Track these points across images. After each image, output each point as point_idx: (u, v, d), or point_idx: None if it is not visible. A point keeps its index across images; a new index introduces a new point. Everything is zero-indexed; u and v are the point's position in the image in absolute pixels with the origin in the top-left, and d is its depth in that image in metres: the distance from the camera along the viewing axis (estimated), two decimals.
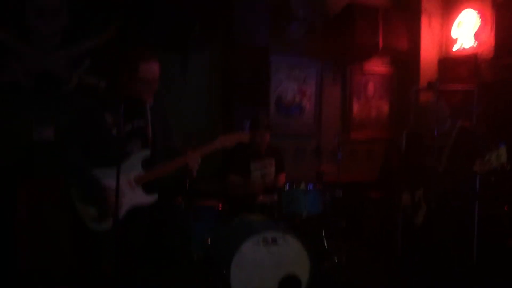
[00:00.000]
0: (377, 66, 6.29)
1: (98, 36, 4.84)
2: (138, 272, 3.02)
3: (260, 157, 4.67)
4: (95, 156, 2.78)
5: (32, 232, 4.16)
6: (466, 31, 5.66)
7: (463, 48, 5.69)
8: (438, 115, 3.74)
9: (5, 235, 4.15)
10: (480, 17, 5.49)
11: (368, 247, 5.57)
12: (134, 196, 2.86)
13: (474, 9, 5.57)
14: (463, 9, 5.71)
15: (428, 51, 6.00)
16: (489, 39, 5.35)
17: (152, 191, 2.93)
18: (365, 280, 4.39)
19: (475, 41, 5.55)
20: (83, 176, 2.76)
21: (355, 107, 6.23)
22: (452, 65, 5.82)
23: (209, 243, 3.98)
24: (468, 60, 5.59)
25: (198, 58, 5.35)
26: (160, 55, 5.08)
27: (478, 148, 3.59)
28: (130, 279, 2.91)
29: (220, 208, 4.23)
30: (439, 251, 3.35)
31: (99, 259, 2.80)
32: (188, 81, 5.27)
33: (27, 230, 4.16)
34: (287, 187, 4.12)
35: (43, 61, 4.72)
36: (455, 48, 5.81)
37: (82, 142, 2.78)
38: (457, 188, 3.73)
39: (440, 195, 3.59)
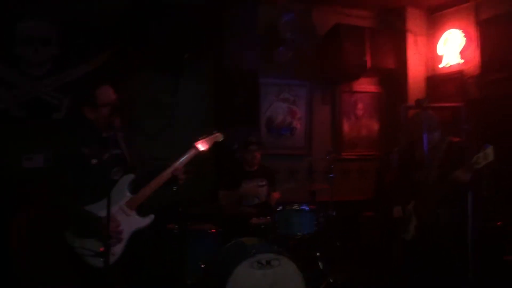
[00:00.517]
0: (366, 86, 6.36)
1: (87, 63, 4.87)
2: None
3: (252, 177, 4.67)
4: (82, 191, 2.78)
5: (28, 262, 4.10)
6: (452, 49, 5.75)
7: (450, 66, 5.77)
8: (427, 122, 3.74)
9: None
10: (465, 35, 5.58)
11: (363, 266, 5.53)
12: (131, 222, 2.87)
13: (458, 28, 5.67)
14: (447, 29, 5.81)
15: (415, 70, 6.08)
16: (475, 56, 5.43)
17: (147, 212, 2.94)
18: None
19: (461, 59, 5.63)
20: (78, 210, 2.76)
21: (346, 127, 6.27)
22: (440, 82, 5.89)
23: (203, 267, 3.93)
24: (455, 77, 5.66)
25: (189, 82, 5.39)
26: (151, 80, 5.20)
27: (466, 158, 3.63)
28: None
29: (213, 231, 4.19)
30: (434, 266, 3.32)
31: None
32: (179, 105, 5.29)
33: (23, 259, 4.10)
34: (280, 208, 4.09)
35: (33, 89, 4.73)
36: (441, 65, 5.89)
37: (67, 180, 2.78)
38: (448, 201, 3.72)
39: (431, 207, 3.58)
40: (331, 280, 4.23)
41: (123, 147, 2.98)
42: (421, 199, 3.76)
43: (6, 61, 4.64)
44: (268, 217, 4.23)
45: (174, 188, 3.73)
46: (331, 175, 4.56)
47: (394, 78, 6.20)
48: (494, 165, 3.36)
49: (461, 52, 5.63)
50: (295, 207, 4.09)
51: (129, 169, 2.96)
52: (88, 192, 2.77)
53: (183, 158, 3.09)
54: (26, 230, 4.15)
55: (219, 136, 3.32)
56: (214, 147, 5.22)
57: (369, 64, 5.67)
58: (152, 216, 2.96)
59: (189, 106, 5.35)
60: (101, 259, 2.66)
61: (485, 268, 4.62)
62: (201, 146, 3.20)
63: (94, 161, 2.78)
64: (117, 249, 2.78)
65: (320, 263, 4.32)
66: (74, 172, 2.76)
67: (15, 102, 4.67)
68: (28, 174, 4.58)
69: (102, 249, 2.63)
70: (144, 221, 2.93)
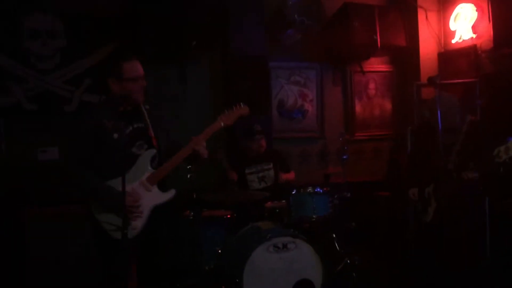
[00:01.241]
0: (377, 65, 6.28)
1: (95, 54, 4.88)
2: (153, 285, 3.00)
3: (256, 162, 4.66)
4: (103, 166, 2.78)
5: (42, 256, 4.15)
6: (464, 24, 5.63)
7: (462, 41, 5.66)
8: (448, 107, 3.64)
9: (14, 261, 4.13)
10: (477, 9, 5.45)
11: (379, 247, 5.52)
12: (152, 197, 2.86)
13: (470, 2, 5.54)
14: (459, 3, 5.68)
15: (427, 46, 5.97)
16: (487, 30, 5.31)
17: (168, 188, 2.94)
18: (379, 280, 4.34)
19: (473, 33, 5.52)
20: (95, 187, 2.76)
21: (358, 107, 6.21)
22: (452, 58, 5.78)
23: (219, 252, 3.96)
24: (468, 53, 5.55)
25: (197, 69, 5.38)
26: (158, 68, 5.20)
27: (487, 144, 3.53)
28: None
29: (228, 217, 4.21)
30: (451, 250, 3.27)
31: (125, 269, 2.73)
32: (188, 92, 5.29)
33: (37, 255, 4.15)
34: (294, 191, 4.09)
35: (43, 82, 4.76)
36: (453, 40, 5.78)
37: (88, 155, 2.78)
38: (467, 186, 3.65)
39: (451, 192, 3.51)
40: (348, 261, 4.24)
41: (147, 121, 2.93)
42: (441, 183, 3.67)
43: (15, 55, 4.67)
44: (283, 201, 4.23)
45: (188, 176, 3.75)
46: (344, 157, 4.53)
47: (405, 56, 6.11)
48: None
49: (473, 27, 5.50)
50: (309, 190, 4.08)
51: (152, 144, 2.92)
52: (109, 166, 2.75)
53: (206, 132, 3.02)
54: (40, 225, 4.19)
55: (245, 109, 3.18)
56: (227, 134, 5.29)
57: (379, 42, 5.58)
58: (173, 191, 2.93)
59: (197, 95, 5.34)
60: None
61: (503, 249, 4.58)
62: (225, 119, 3.09)
63: (115, 135, 2.76)
64: (138, 223, 2.79)
65: (336, 245, 4.32)
66: (96, 145, 2.75)
67: (26, 95, 4.70)
68: (44, 167, 4.63)
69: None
70: (166, 196, 2.91)
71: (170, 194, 2.93)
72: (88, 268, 3.96)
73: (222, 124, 3.08)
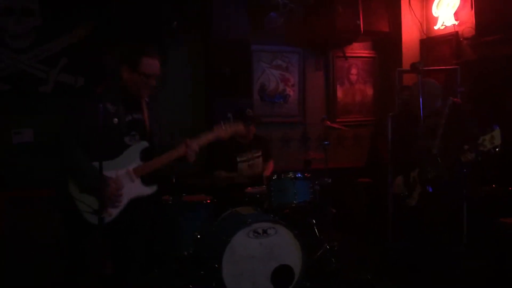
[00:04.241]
0: (359, 50, 6.27)
1: (72, 34, 4.73)
2: (129, 270, 2.97)
3: (246, 149, 4.63)
4: (94, 147, 2.69)
5: (15, 242, 4.02)
6: (446, 10, 5.63)
7: (445, 27, 5.66)
8: (429, 92, 3.65)
9: None
10: None
11: (359, 233, 5.57)
12: (134, 188, 2.85)
13: None
14: None
15: (410, 32, 5.97)
16: (470, 17, 5.32)
17: (151, 182, 2.94)
18: (358, 266, 4.37)
19: (455, 20, 5.53)
20: (82, 166, 2.72)
21: (340, 93, 6.20)
22: (434, 45, 5.80)
23: (199, 238, 3.92)
24: (450, 39, 5.57)
25: (178, 52, 5.28)
26: None
27: (470, 127, 3.55)
28: (121, 277, 2.89)
29: (208, 202, 4.17)
30: (430, 234, 3.31)
31: (96, 256, 2.75)
32: (169, 75, 5.19)
33: (9, 241, 4.03)
34: (275, 177, 4.06)
35: (17, 61, 4.61)
36: (436, 27, 5.78)
37: (83, 132, 2.73)
38: (451, 169, 3.68)
39: (435, 176, 3.53)
40: (327, 247, 4.24)
41: (145, 113, 2.94)
42: (426, 167, 3.68)
43: None
44: (264, 186, 4.20)
45: None
46: (325, 142, 4.51)
47: (388, 42, 6.11)
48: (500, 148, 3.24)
49: (456, 14, 5.51)
50: (290, 175, 4.05)
51: (146, 136, 2.92)
52: (100, 149, 2.67)
53: (201, 139, 3.04)
54: (14, 208, 4.08)
55: (240, 127, 3.22)
56: (206, 118, 5.22)
57: (362, 28, 5.54)
58: (155, 187, 2.95)
59: (178, 77, 5.25)
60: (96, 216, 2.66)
61: (480, 231, 4.66)
62: (221, 131, 3.12)
63: (116, 120, 2.76)
64: (114, 211, 2.79)
65: (316, 230, 4.33)
66: (94, 126, 2.66)
67: (0, 75, 4.55)
68: (18, 149, 4.51)
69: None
70: (147, 190, 2.92)
71: (152, 189, 2.95)
72: (61, 253, 3.88)
73: (217, 135, 3.11)
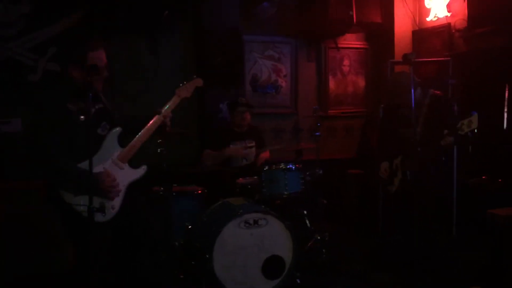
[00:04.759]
0: (352, 41, 6.25)
1: (61, 22, 4.66)
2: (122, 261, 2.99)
3: (240, 138, 4.61)
4: (71, 148, 2.73)
5: (10, 237, 3.96)
6: (439, 2, 5.62)
7: (437, 19, 5.66)
8: (403, 83, 3.75)
9: None
10: None
11: (350, 224, 5.59)
12: (126, 175, 2.88)
13: None
14: None
15: (402, 24, 5.95)
16: (462, 9, 5.32)
17: (139, 164, 2.96)
18: (349, 257, 4.39)
19: (448, 12, 5.52)
20: (71, 172, 2.71)
21: (332, 84, 6.18)
22: (426, 36, 5.79)
23: (189, 228, 3.91)
24: (442, 31, 5.56)
25: (169, 41, 5.23)
26: (128, 40, 5.02)
27: (451, 115, 3.68)
28: (113, 268, 2.90)
29: (199, 192, 4.15)
30: (419, 223, 3.34)
31: (99, 251, 2.74)
32: (160, 64, 5.14)
33: (4, 235, 3.97)
34: (266, 168, 4.05)
35: (5, 49, 4.53)
36: (428, 19, 5.77)
37: (58, 141, 2.72)
38: (434, 157, 3.76)
39: (417, 163, 3.59)
40: (318, 237, 4.25)
41: (104, 101, 2.95)
42: (408, 155, 3.77)
43: None
44: (255, 177, 4.19)
45: (159, 150, 3.68)
46: (317, 133, 4.50)
47: (380, 33, 6.08)
48: (478, 133, 3.43)
49: (448, 5, 5.50)
50: (282, 166, 4.04)
51: (115, 123, 2.93)
52: (77, 149, 2.71)
53: (167, 106, 3.07)
54: (4, 202, 4.02)
55: (198, 81, 3.28)
56: (197, 109, 5.18)
57: (355, 18, 5.51)
58: (145, 167, 2.97)
59: (169, 67, 5.20)
60: (102, 214, 2.70)
61: (468, 222, 4.70)
62: (183, 92, 3.16)
63: (82, 117, 2.71)
64: (116, 202, 2.81)
65: (307, 221, 4.33)
66: (63, 129, 2.70)
67: None
68: (6, 139, 4.45)
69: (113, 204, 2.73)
70: (139, 172, 2.95)
71: (143, 170, 2.97)
72: (56, 248, 3.85)
73: (180, 97, 3.15)
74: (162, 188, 4.07)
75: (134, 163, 2.95)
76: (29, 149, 2.83)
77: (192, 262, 3.76)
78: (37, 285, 3.78)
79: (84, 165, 2.66)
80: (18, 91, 4.53)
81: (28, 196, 3.99)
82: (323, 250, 4.22)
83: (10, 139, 4.44)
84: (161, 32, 5.13)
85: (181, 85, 3.19)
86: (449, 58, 5.32)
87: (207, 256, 3.39)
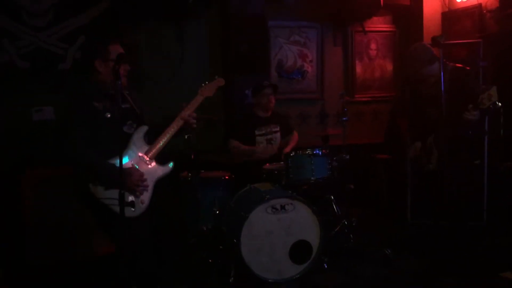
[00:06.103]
0: (379, 25, 6.13)
1: (89, 11, 4.72)
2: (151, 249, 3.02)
3: (265, 123, 4.62)
4: (98, 145, 2.78)
5: (41, 224, 4.04)
6: None
7: (467, 0, 5.50)
8: (420, 57, 3.67)
9: (11, 229, 4.07)
10: None
11: (377, 209, 5.55)
12: (153, 171, 2.94)
13: None
14: None
15: (431, 5, 5.80)
16: None
17: (166, 161, 3.01)
18: (376, 242, 4.37)
19: None
20: (102, 166, 2.76)
21: (358, 68, 6.11)
22: (456, 18, 5.64)
23: (217, 213, 3.96)
24: (472, 12, 5.41)
25: (194, 28, 5.25)
26: (155, 26, 5.06)
27: (474, 88, 3.56)
28: (142, 255, 2.92)
29: (226, 178, 4.19)
30: (449, 205, 3.29)
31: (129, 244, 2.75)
32: (186, 51, 5.17)
33: (36, 222, 4.05)
34: (293, 153, 4.05)
35: (36, 39, 4.63)
36: (458, 0, 5.62)
37: (84, 133, 2.76)
38: (462, 133, 3.66)
39: (447, 141, 3.51)
40: (345, 223, 4.25)
41: (130, 101, 2.99)
42: (437, 133, 3.68)
43: (7, 12, 4.51)
44: (282, 163, 4.20)
45: (186, 137, 3.74)
46: (344, 119, 4.47)
47: (408, 16, 5.95)
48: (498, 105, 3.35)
49: None
50: (308, 152, 4.03)
51: (141, 121, 2.99)
52: (104, 146, 2.77)
53: (190, 105, 3.10)
54: (36, 190, 4.10)
55: (221, 81, 3.32)
56: (223, 95, 5.20)
57: (382, 1, 5.41)
58: (171, 164, 3.02)
59: (195, 54, 5.23)
60: (131, 209, 2.77)
61: (500, 207, 4.61)
62: (206, 91, 3.20)
63: (108, 114, 2.81)
64: (145, 197, 2.87)
65: (334, 206, 4.33)
66: (89, 126, 2.76)
67: (19, 53, 4.58)
68: (39, 126, 4.56)
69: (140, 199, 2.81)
70: (166, 169, 3.00)
71: (169, 167, 3.02)
72: (90, 236, 3.91)
73: (203, 96, 3.18)
74: (189, 174, 4.12)
75: (162, 160, 3.00)
76: (59, 140, 2.86)
77: (220, 247, 3.83)
78: (68, 271, 3.83)
79: (113, 161, 2.74)
80: (49, 80, 4.63)
81: (60, 183, 4.04)
82: (351, 235, 4.23)
83: (42, 127, 4.55)
84: (187, 19, 5.16)
85: (203, 84, 3.23)
86: (480, 40, 5.18)
87: (235, 240, 3.43)
